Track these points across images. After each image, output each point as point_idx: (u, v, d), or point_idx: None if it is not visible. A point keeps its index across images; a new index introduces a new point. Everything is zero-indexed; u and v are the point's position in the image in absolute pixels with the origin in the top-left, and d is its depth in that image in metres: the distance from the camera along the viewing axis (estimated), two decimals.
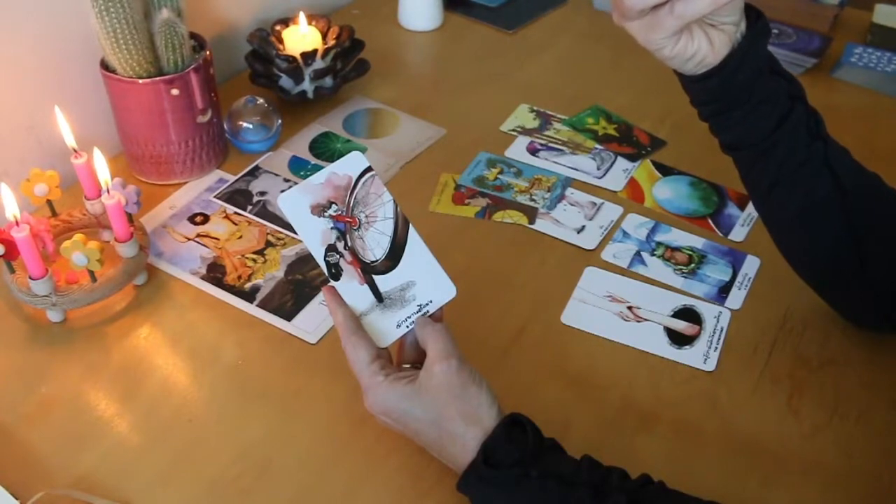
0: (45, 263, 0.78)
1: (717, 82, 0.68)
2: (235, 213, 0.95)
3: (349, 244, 0.66)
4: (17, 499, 0.66)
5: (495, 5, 1.36)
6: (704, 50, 0.67)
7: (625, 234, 0.93)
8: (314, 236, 0.66)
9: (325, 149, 1.05)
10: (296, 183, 0.97)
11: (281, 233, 0.92)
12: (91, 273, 0.79)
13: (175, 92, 0.91)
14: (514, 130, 1.09)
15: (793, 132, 0.70)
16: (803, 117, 0.70)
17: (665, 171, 1.02)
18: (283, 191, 0.66)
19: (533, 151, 1.05)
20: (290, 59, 1.05)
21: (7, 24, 0.88)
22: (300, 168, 1.02)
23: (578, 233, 0.93)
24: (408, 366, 0.68)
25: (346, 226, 0.66)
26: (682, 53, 0.67)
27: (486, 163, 1.03)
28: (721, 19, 0.66)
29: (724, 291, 0.86)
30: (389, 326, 0.67)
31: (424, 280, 0.68)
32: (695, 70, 0.68)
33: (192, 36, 0.96)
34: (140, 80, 0.90)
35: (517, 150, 1.05)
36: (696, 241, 0.92)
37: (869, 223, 0.71)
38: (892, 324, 0.75)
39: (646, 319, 0.83)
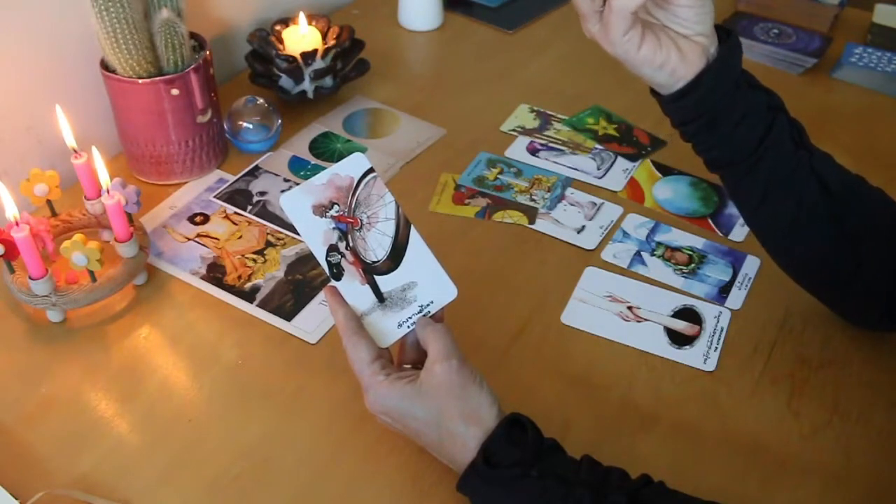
0: (45, 263, 0.78)
1: (695, 99, 0.68)
2: (235, 213, 0.95)
3: (351, 244, 0.66)
4: (16, 499, 0.66)
5: (495, 5, 1.36)
6: (675, 60, 0.67)
7: (625, 234, 0.93)
8: (316, 236, 0.66)
9: (325, 149, 1.05)
10: (296, 183, 0.98)
11: (281, 233, 0.92)
12: (91, 273, 0.79)
13: (175, 92, 0.91)
14: (514, 130, 1.09)
15: (777, 144, 0.70)
16: (786, 128, 0.70)
17: (665, 171, 1.02)
18: (284, 191, 0.67)
19: (533, 151, 1.05)
20: (290, 59, 1.05)
21: (7, 23, 0.88)
22: (300, 168, 1.02)
23: (578, 233, 0.93)
24: (408, 366, 0.68)
25: (347, 226, 0.66)
26: (651, 60, 0.67)
27: (486, 163, 1.03)
28: (690, 28, 0.67)
29: (724, 291, 0.86)
30: (390, 326, 0.67)
31: (425, 281, 0.68)
32: (671, 84, 0.69)
33: (192, 36, 0.96)
34: (140, 80, 0.90)
35: (517, 150, 1.05)
36: (697, 241, 0.92)
37: (859, 225, 0.72)
38: (892, 321, 0.75)
39: (646, 319, 0.83)
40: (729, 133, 0.70)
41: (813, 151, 0.72)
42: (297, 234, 0.71)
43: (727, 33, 0.69)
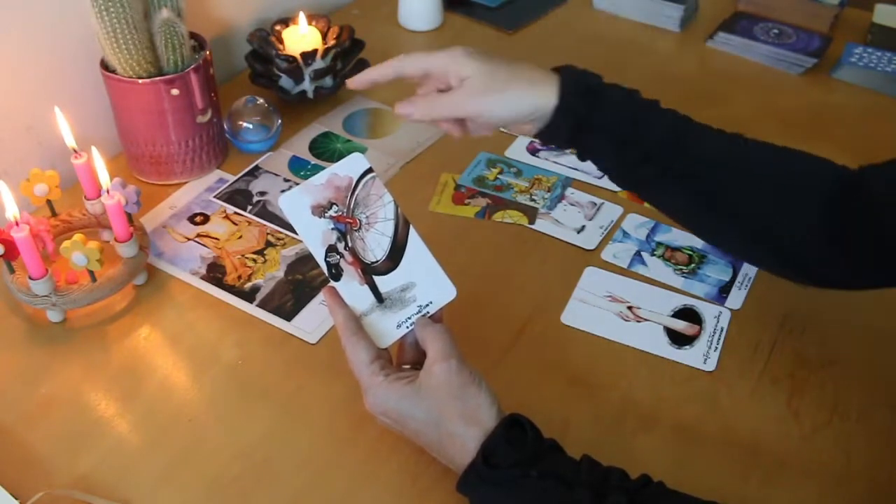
0: (45, 263, 0.78)
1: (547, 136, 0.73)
2: (235, 213, 0.95)
3: (350, 245, 0.66)
4: (16, 499, 0.66)
5: (495, 5, 1.36)
6: (526, 112, 0.70)
7: (625, 233, 0.93)
8: (315, 237, 0.66)
9: (325, 149, 1.05)
10: (296, 183, 0.98)
11: (281, 233, 0.92)
12: (91, 273, 0.79)
13: (175, 92, 0.91)
14: None
15: (632, 173, 0.73)
16: (635, 156, 0.71)
17: None
18: (283, 191, 0.67)
19: (533, 151, 1.05)
20: (290, 59, 1.05)
21: (7, 24, 0.88)
22: (300, 168, 1.02)
23: (578, 233, 0.93)
24: (408, 366, 0.68)
25: (346, 226, 0.66)
26: (502, 125, 0.72)
27: (486, 163, 1.03)
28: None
29: (724, 291, 0.86)
30: (389, 327, 0.67)
31: (424, 281, 0.68)
32: (537, 127, 0.72)
33: (192, 36, 0.96)
34: (140, 80, 0.90)
35: (517, 150, 1.05)
36: (696, 241, 0.92)
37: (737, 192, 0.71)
38: (851, 272, 0.71)
39: (646, 319, 0.83)
40: (597, 141, 0.72)
41: (676, 156, 0.71)
42: (297, 234, 0.71)
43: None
